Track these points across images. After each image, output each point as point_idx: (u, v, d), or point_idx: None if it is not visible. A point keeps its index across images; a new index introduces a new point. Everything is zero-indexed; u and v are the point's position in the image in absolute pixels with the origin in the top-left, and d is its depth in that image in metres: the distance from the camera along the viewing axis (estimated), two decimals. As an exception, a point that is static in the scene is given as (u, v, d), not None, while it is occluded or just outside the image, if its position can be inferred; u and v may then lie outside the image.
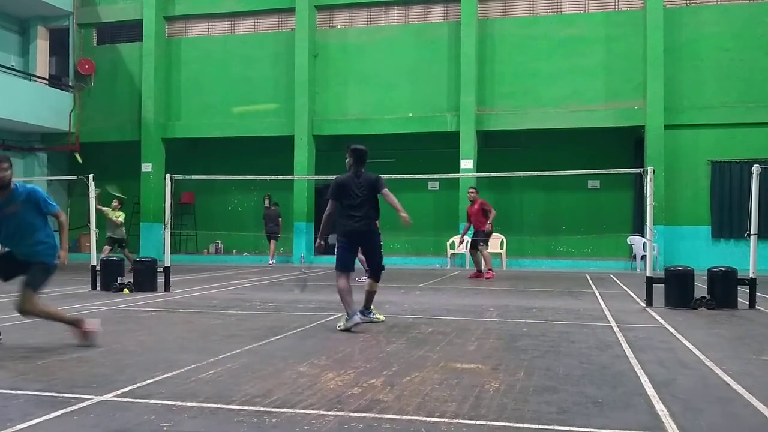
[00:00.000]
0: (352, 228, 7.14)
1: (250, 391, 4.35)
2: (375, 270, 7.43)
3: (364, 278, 14.14)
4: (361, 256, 7.73)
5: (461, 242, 15.28)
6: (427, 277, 14.41)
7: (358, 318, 6.88)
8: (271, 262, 19.26)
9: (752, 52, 17.81)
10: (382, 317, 7.58)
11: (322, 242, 7.55)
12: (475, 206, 14.26)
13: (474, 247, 14.37)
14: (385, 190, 7.16)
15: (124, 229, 15.50)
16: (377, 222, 7.40)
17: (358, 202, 7.11)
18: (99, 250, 11.93)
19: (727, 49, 17.94)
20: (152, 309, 8.79)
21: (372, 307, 7.56)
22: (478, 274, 14.24)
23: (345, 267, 7.21)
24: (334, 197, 7.26)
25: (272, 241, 19.38)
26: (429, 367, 5.16)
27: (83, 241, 21.68)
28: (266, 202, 19.86)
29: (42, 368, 5.06)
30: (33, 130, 21.64)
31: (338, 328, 6.89)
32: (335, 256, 7.32)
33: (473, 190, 14.70)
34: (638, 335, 6.80)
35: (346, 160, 7.32)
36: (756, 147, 17.52)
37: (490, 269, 14.17)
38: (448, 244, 18.88)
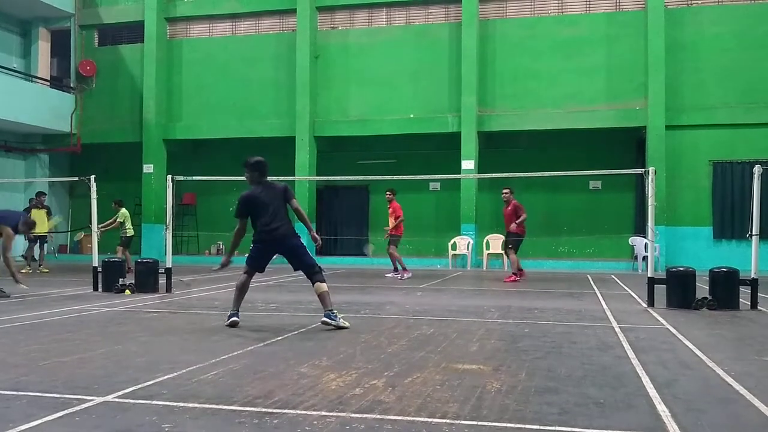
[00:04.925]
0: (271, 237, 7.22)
1: (252, 392, 4.35)
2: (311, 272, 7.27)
3: (390, 275, 14.44)
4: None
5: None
6: (429, 278, 14.40)
7: (236, 319, 7.16)
8: None
9: (754, 52, 17.80)
10: (347, 324, 7.15)
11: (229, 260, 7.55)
12: (509, 207, 13.73)
13: (505, 248, 13.95)
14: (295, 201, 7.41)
15: (128, 227, 15.70)
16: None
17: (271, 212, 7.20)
18: (101, 251, 11.92)
19: (729, 49, 17.93)
20: (154, 310, 8.79)
21: (335, 310, 7.19)
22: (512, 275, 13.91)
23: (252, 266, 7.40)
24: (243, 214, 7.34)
25: None
26: (430, 368, 5.16)
27: (85, 242, 21.70)
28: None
29: (44, 369, 5.06)
30: (34, 131, 21.68)
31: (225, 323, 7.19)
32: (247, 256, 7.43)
33: (507, 190, 13.84)
34: (640, 336, 6.80)
35: (246, 175, 7.40)
36: (757, 147, 17.51)
37: (514, 273, 13.77)
38: (450, 244, 18.88)
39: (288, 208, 7.36)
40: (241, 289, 7.35)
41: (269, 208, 7.19)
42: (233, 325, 7.10)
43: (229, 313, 7.25)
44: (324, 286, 7.17)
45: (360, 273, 15.13)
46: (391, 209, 14.55)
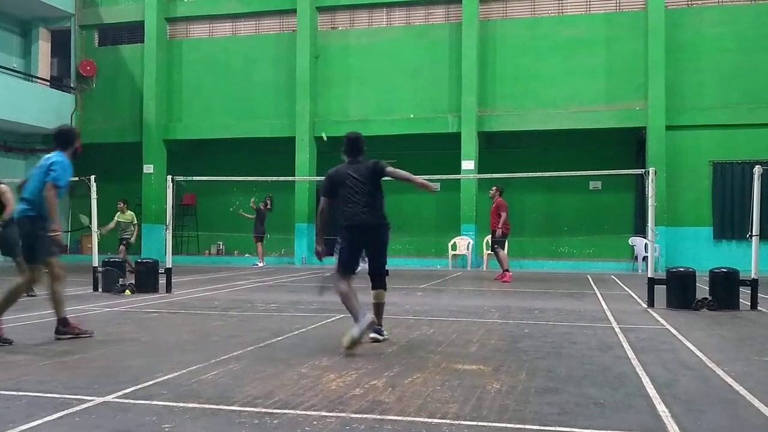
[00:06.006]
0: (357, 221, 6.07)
1: (252, 393, 4.35)
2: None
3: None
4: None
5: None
6: (429, 279, 14.40)
7: (369, 317, 5.86)
8: (261, 264, 19.20)
9: (754, 53, 17.80)
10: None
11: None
12: (493, 205, 14.02)
13: (492, 247, 14.27)
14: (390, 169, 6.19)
15: (131, 228, 15.82)
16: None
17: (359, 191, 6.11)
18: (101, 251, 11.92)
19: (729, 49, 17.93)
20: (154, 310, 8.79)
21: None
22: (502, 274, 14.17)
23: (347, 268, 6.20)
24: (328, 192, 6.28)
25: (261, 243, 19.39)
26: (430, 368, 5.16)
27: (85, 242, 21.70)
28: (267, 202, 19.83)
29: (44, 369, 5.06)
30: (34, 131, 21.65)
31: (346, 344, 5.66)
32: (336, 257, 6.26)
33: (495, 188, 14.11)
34: (640, 336, 6.80)
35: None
36: (758, 148, 17.51)
37: (506, 271, 13.86)
38: (450, 245, 18.88)
39: (382, 191, 6.27)
40: (349, 296, 6.00)
41: (356, 189, 6.10)
42: (373, 323, 5.97)
43: (358, 322, 5.79)
44: (385, 296, 6.39)
45: (360, 273, 15.11)
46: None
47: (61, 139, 6.50)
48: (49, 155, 6.36)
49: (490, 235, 14.38)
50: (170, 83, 21.77)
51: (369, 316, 5.85)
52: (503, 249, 14.11)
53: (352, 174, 6.19)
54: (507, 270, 13.89)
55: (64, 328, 6.39)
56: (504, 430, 3.61)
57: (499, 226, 13.74)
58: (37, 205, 6.12)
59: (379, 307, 6.38)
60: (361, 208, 6.12)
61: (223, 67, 21.31)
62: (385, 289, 6.41)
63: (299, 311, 8.72)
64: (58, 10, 21.65)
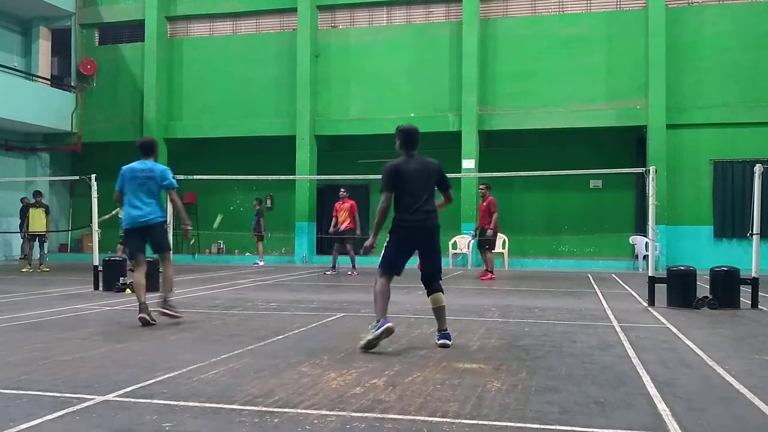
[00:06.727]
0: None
1: (252, 391, 4.35)
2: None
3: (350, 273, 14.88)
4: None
5: (474, 237, 15.42)
6: (429, 277, 14.37)
7: (390, 325, 5.64)
8: (261, 262, 19.23)
9: (755, 51, 17.78)
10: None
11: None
12: (484, 203, 14.06)
13: (481, 246, 14.40)
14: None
15: None
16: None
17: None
18: (101, 250, 11.92)
19: (730, 48, 17.92)
20: (154, 309, 8.78)
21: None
22: (484, 273, 14.28)
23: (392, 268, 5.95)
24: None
25: (262, 242, 19.46)
26: (431, 366, 5.16)
27: (85, 241, 21.71)
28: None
29: (44, 368, 5.06)
30: (35, 130, 21.67)
31: (361, 347, 5.70)
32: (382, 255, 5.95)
33: (483, 185, 14.27)
34: (640, 335, 6.80)
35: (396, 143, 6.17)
36: (758, 146, 17.49)
37: (489, 271, 14.03)
38: (450, 243, 18.87)
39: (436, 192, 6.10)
40: (385, 295, 5.81)
41: (418, 187, 5.91)
42: (390, 332, 5.64)
43: (377, 323, 5.67)
44: (444, 299, 6.09)
45: (360, 271, 15.14)
46: (348, 205, 15.54)
47: (148, 148, 7.85)
48: (145, 164, 7.69)
49: (478, 233, 14.35)
50: (171, 82, 21.76)
51: (389, 325, 5.61)
52: (493, 249, 14.28)
53: (417, 170, 5.99)
54: (491, 271, 14.03)
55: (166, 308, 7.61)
56: (504, 429, 3.61)
57: (492, 226, 13.85)
58: (160, 209, 7.60)
59: (440, 311, 6.03)
60: (425, 208, 5.99)
61: (224, 66, 21.30)
62: (442, 292, 6.10)
63: (300, 310, 8.71)
64: (58, 9, 21.64)
